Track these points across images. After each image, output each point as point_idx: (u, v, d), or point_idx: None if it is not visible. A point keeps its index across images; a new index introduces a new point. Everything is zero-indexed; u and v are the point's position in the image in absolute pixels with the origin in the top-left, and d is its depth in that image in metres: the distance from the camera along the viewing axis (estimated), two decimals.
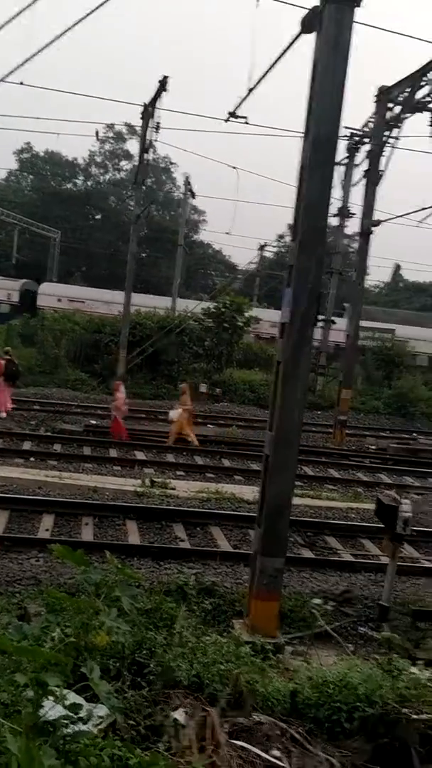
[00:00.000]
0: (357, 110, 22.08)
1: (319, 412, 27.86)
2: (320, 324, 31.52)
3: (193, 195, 40.81)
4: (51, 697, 2.55)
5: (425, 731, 3.76)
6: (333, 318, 31.67)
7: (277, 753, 3.35)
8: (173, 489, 12.71)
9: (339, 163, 28.33)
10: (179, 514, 10.91)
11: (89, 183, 72.06)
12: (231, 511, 11.51)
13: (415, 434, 25.68)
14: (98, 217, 69.27)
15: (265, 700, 4.03)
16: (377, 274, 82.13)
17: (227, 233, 56.29)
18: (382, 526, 8.37)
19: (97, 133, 67.47)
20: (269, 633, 6.33)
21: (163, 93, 22.96)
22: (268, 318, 37.54)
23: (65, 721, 2.66)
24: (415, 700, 3.92)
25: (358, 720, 3.84)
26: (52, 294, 43.00)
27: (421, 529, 11.71)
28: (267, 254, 57.57)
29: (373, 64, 41.05)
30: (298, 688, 4.10)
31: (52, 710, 2.58)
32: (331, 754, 3.55)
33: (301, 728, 3.73)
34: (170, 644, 4.38)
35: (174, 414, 18.17)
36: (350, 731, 3.82)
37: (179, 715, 3.43)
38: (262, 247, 53.64)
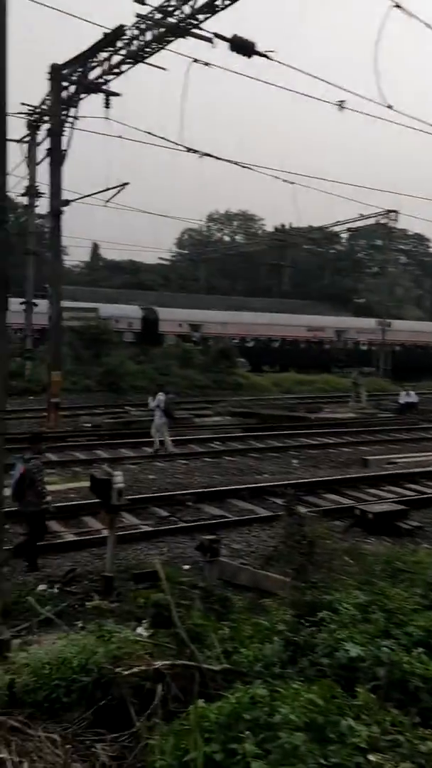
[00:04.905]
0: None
1: (31, 397, 27.30)
2: (21, 308, 30.75)
3: None
4: None
5: (138, 683, 4.03)
6: (34, 301, 31.05)
7: None
8: None
9: (18, 141, 27.61)
10: None
11: None
12: None
13: (126, 407, 26.66)
14: None
15: None
16: (77, 254, 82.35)
17: None
18: (99, 500, 8.58)
19: None
20: None
21: None
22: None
23: None
24: (126, 657, 4.17)
25: (76, 691, 3.97)
26: None
27: (138, 496, 12.29)
28: None
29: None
30: (15, 678, 4.07)
31: None
32: (52, 732, 3.61)
33: (21, 716, 3.72)
34: None
35: None
36: (70, 704, 3.93)
37: None
38: None
